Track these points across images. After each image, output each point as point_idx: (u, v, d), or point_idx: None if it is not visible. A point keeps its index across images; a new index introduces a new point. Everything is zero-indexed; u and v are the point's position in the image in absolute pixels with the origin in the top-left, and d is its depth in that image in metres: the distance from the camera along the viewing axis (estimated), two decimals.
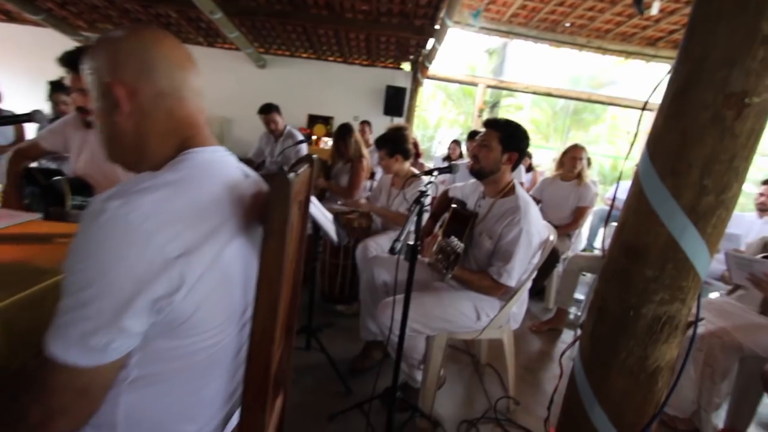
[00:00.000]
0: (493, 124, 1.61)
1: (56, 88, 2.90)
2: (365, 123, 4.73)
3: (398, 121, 6.55)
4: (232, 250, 0.62)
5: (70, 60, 1.38)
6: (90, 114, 1.47)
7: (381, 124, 6.04)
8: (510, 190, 1.59)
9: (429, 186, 1.32)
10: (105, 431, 0.64)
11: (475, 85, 6.44)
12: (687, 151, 0.76)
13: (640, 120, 0.94)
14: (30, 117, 1.35)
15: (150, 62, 0.65)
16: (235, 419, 0.80)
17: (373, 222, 2.56)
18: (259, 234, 0.68)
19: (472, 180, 1.86)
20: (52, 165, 2.12)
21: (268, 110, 3.28)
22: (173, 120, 0.67)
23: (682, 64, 0.79)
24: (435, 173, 1.49)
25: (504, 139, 1.56)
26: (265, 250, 0.59)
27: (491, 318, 1.56)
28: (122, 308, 0.52)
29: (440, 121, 10.30)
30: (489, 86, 6.48)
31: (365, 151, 2.86)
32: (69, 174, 1.61)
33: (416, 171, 2.46)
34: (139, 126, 0.65)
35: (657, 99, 0.87)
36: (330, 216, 1.83)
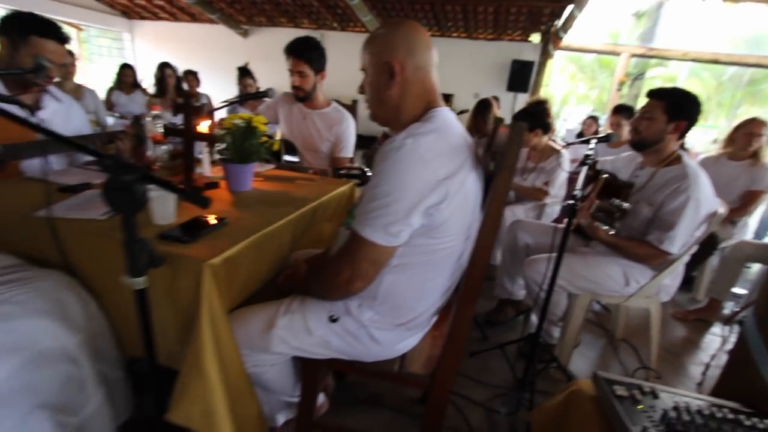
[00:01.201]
0: (656, 93, 1.59)
1: (243, 73, 3.63)
2: (495, 99, 4.71)
3: (522, 97, 6.30)
4: (470, 180, 0.86)
5: (292, 49, 1.80)
6: (301, 91, 1.90)
7: (504, 101, 5.92)
8: (675, 159, 1.56)
9: (591, 151, 1.41)
10: (369, 301, 0.96)
11: (616, 54, 5.79)
12: None
13: None
14: (265, 93, 1.82)
15: (412, 45, 0.90)
16: (435, 317, 1.08)
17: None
18: (480, 172, 0.92)
19: (625, 153, 1.84)
20: None
21: None
22: (423, 87, 0.93)
23: None
24: (593, 141, 1.55)
25: (669, 108, 1.53)
26: (499, 179, 0.81)
27: (641, 285, 1.59)
28: (411, 209, 0.80)
29: (567, 97, 9.46)
30: (634, 55, 5.75)
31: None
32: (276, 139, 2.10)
33: (555, 145, 2.47)
34: (401, 92, 0.92)
35: None
36: None
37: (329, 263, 0.93)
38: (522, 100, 6.32)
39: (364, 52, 0.95)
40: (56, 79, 1.40)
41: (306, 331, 0.98)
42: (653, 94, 1.59)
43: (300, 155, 2.04)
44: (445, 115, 0.91)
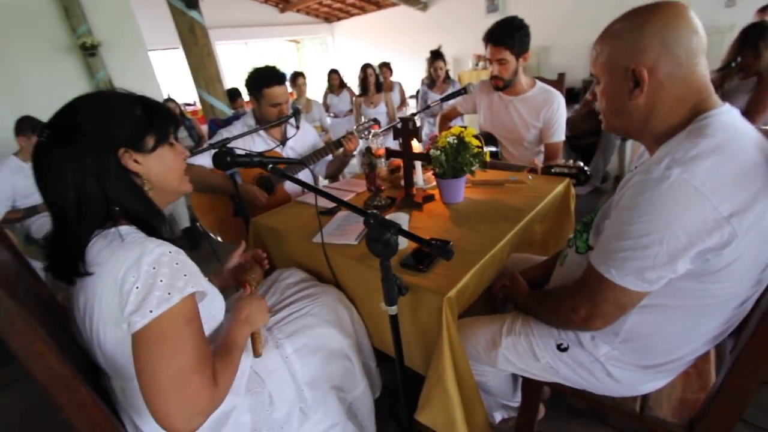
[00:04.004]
0: None
1: (435, 56, 3.71)
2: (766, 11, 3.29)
3: None
4: None
5: (492, 35, 1.69)
6: (500, 81, 1.80)
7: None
8: None
9: None
10: (608, 337, 0.86)
11: None
12: None
13: None
14: (465, 90, 1.82)
15: (669, 38, 0.69)
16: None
17: None
18: None
19: None
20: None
21: None
22: (686, 87, 0.71)
23: None
24: None
25: None
26: None
27: None
28: (677, 255, 0.65)
29: None
30: None
31: None
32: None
33: None
34: (650, 99, 0.72)
35: None
36: None
37: (562, 294, 0.87)
38: None
39: (596, 54, 0.78)
40: (290, 110, 1.78)
41: (532, 355, 0.97)
42: None
43: (501, 147, 1.97)
44: (725, 120, 0.68)
